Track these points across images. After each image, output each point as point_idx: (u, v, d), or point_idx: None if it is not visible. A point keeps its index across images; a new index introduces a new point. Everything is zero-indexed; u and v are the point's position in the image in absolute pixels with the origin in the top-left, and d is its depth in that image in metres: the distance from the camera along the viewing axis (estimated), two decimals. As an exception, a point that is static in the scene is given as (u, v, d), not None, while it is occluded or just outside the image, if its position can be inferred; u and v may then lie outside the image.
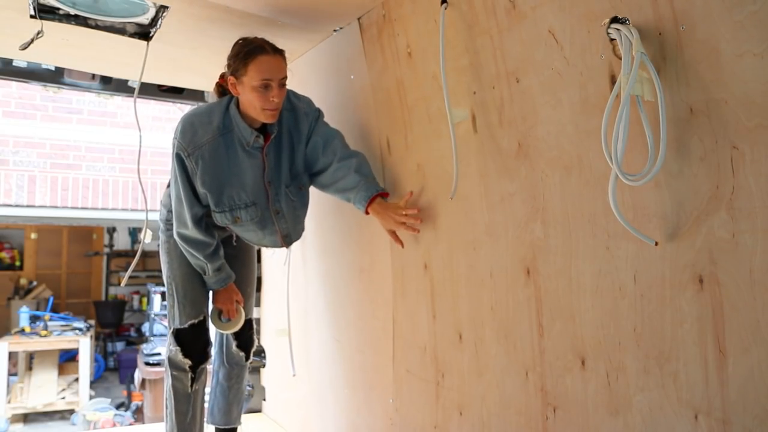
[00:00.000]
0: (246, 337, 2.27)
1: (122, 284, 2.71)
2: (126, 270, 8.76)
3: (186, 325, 2.02)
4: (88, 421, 6.06)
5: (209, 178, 1.86)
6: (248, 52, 1.80)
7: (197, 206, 1.91)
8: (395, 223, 1.84)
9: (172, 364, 2.05)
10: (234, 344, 2.24)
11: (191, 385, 2.05)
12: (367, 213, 1.90)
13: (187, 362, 2.03)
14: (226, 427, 2.33)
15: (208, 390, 2.28)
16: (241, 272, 2.22)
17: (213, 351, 2.31)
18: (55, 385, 6.78)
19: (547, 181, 1.42)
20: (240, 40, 1.85)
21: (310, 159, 2.02)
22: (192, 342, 2.04)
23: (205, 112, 1.91)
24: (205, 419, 2.25)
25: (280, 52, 1.84)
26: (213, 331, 2.21)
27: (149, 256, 8.77)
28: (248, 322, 2.26)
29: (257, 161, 1.92)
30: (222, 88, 2.00)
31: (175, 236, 1.98)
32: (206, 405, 2.31)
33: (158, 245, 2.14)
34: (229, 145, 1.87)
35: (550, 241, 1.42)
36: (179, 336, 2.03)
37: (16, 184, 6.39)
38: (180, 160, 1.85)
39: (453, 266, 1.75)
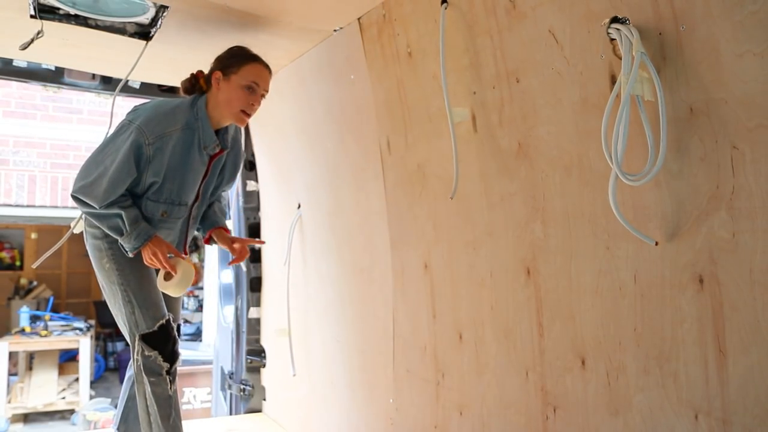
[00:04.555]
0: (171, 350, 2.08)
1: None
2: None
3: (155, 328, 1.95)
4: (89, 421, 6.06)
5: (159, 168, 1.89)
6: (248, 56, 1.97)
7: (120, 188, 1.83)
8: (230, 246, 2.18)
9: (148, 370, 1.96)
10: None
11: (170, 387, 2.01)
12: (207, 240, 2.22)
13: (165, 365, 1.96)
14: None
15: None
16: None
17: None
18: (56, 385, 6.78)
19: (547, 181, 1.42)
20: (238, 46, 2.02)
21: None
22: (164, 343, 1.98)
23: (171, 105, 1.94)
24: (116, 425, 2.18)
25: (269, 69, 2.01)
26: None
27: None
28: (179, 327, 2.15)
29: (203, 167, 2.01)
30: (190, 85, 2.03)
31: (82, 209, 1.88)
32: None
33: (95, 256, 2.00)
34: (187, 141, 1.92)
35: (550, 241, 1.42)
36: (151, 340, 1.96)
37: (16, 184, 6.39)
38: (137, 147, 1.82)
39: (453, 266, 1.75)
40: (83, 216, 2.04)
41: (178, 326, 2.21)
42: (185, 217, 2.07)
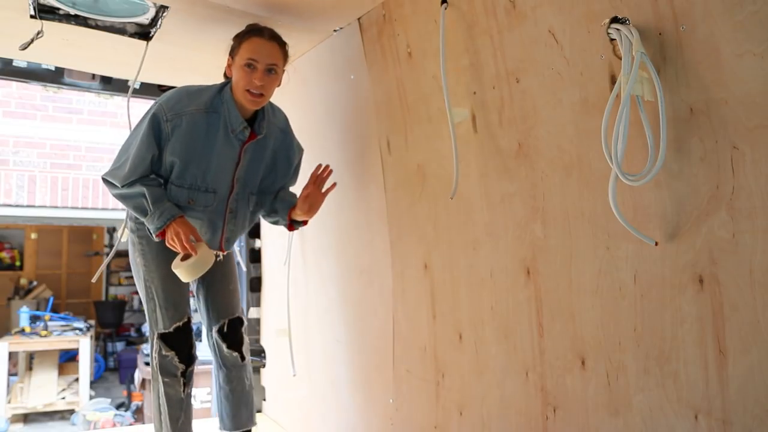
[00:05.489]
0: (236, 338, 2.17)
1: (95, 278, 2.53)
2: (126, 270, 8.71)
3: (171, 329, 1.96)
4: (88, 421, 6.06)
5: (180, 147, 1.84)
6: (245, 32, 1.88)
7: (142, 165, 1.83)
8: (316, 194, 2.04)
9: (163, 370, 1.97)
10: (224, 346, 2.14)
11: (183, 390, 2.00)
12: (291, 225, 2.11)
13: (181, 367, 1.97)
14: (239, 431, 2.21)
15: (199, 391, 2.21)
16: (221, 270, 2.13)
17: (211, 354, 2.24)
18: (55, 385, 6.78)
19: (547, 181, 1.42)
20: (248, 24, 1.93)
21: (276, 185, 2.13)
22: (182, 345, 1.98)
23: (198, 87, 1.93)
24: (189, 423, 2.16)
25: (276, 40, 1.89)
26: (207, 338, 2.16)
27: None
28: (237, 321, 2.17)
29: (234, 153, 1.93)
30: (224, 76, 2.03)
31: (110, 191, 1.90)
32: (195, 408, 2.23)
33: (130, 250, 2.04)
34: (212, 124, 1.87)
35: (550, 241, 1.42)
36: (169, 340, 1.97)
37: (16, 184, 6.39)
38: (155, 122, 1.81)
39: (453, 266, 1.75)
40: (127, 215, 2.04)
41: (240, 320, 2.17)
42: (219, 210, 1.98)
